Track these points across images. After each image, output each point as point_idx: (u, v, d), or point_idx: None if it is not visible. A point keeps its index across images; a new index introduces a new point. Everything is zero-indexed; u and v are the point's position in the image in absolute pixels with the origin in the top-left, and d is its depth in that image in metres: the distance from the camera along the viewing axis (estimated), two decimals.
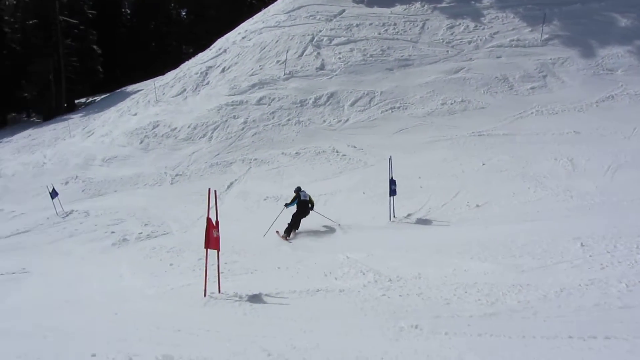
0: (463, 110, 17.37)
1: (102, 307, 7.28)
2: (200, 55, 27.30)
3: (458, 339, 4.33)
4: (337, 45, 22.00)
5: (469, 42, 21.25)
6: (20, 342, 5.75)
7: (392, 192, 10.35)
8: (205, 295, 6.67)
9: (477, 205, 10.61)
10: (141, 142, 20.11)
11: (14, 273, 10.55)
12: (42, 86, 35.87)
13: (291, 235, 10.55)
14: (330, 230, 10.67)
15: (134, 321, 6.13)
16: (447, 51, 21.05)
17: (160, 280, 8.30)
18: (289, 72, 20.76)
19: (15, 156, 28.40)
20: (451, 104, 17.83)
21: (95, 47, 39.25)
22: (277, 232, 10.65)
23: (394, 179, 10.33)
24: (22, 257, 12.04)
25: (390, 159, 10.55)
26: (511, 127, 15.65)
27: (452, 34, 21.95)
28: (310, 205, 10.91)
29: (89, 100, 39.00)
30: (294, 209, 10.71)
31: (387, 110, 17.65)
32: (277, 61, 21.82)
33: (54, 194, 15.87)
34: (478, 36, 21.52)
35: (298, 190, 10.97)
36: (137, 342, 5.09)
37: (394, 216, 10.52)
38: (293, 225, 10.61)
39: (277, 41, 23.23)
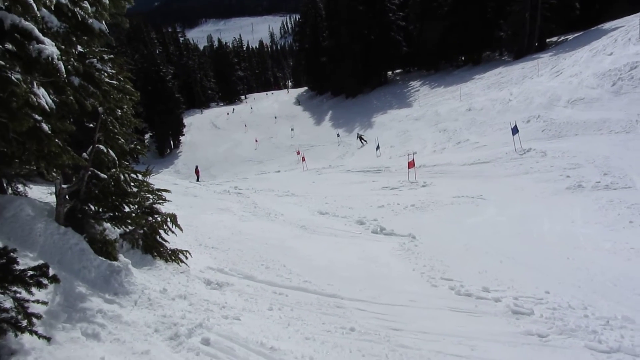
0: None
1: (553, 248, 7.30)
2: None
3: None
4: None
5: None
6: (481, 260, 6.50)
7: None
8: None
9: None
10: (613, 84, 18.27)
11: (473, 197, 11.93)
12: (518, 25, 37.21)
13: None
14: None
15: (587, 270, 5.91)
16: None
17: (618, 235, 7.58)
18: None
19: (485, 92, 31.24)
20: None
21: None
22: None
23: None
24: (480, 185, 13.41)
25: None
26: None
27: None
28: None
29: (560, 39, 37.91)
30: None
31: None
32: None
33: (514, 130, 16.62)
34: None
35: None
36: (591, 294, 4.92)
37: None
38: None
39: None
